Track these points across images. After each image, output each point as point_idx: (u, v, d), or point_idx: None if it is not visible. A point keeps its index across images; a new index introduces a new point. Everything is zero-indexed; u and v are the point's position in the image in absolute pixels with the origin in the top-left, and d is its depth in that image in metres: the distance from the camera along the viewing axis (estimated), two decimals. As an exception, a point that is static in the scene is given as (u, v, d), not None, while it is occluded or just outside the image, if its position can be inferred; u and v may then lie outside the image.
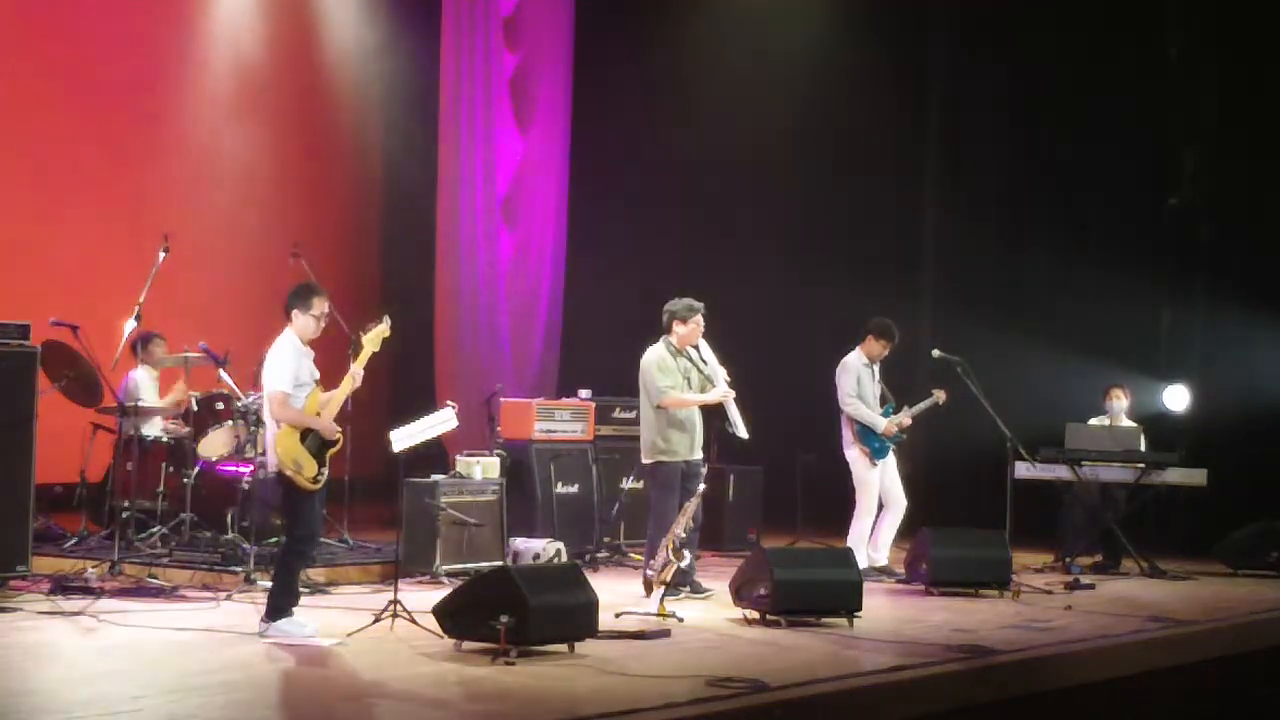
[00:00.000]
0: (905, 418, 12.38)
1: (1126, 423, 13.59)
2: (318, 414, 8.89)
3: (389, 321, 9.13)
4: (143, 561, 10.86)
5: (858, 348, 12.48)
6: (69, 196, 14.49)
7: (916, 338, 13.88)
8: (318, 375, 9.02)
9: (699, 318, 11.02)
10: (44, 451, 10.12)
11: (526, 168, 16.71)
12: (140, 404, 11.66)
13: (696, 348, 11.08)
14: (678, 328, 11.02)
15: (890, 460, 12.42)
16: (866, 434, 12.30)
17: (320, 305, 9.00)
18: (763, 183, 16.80)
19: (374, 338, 9.07)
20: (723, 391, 10.94)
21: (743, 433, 10.99)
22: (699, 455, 11.06)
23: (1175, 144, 15.57)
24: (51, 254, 14.24)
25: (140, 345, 12.19)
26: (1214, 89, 15.37)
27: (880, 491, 12.34)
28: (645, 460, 11.05)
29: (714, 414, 11.33)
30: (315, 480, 8.80)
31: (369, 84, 17.06)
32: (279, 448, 8.81)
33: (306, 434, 8.82)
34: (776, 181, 16.68)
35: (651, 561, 10.36)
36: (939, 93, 16.51)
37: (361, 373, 9.04)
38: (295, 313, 8.97)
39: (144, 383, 12.10)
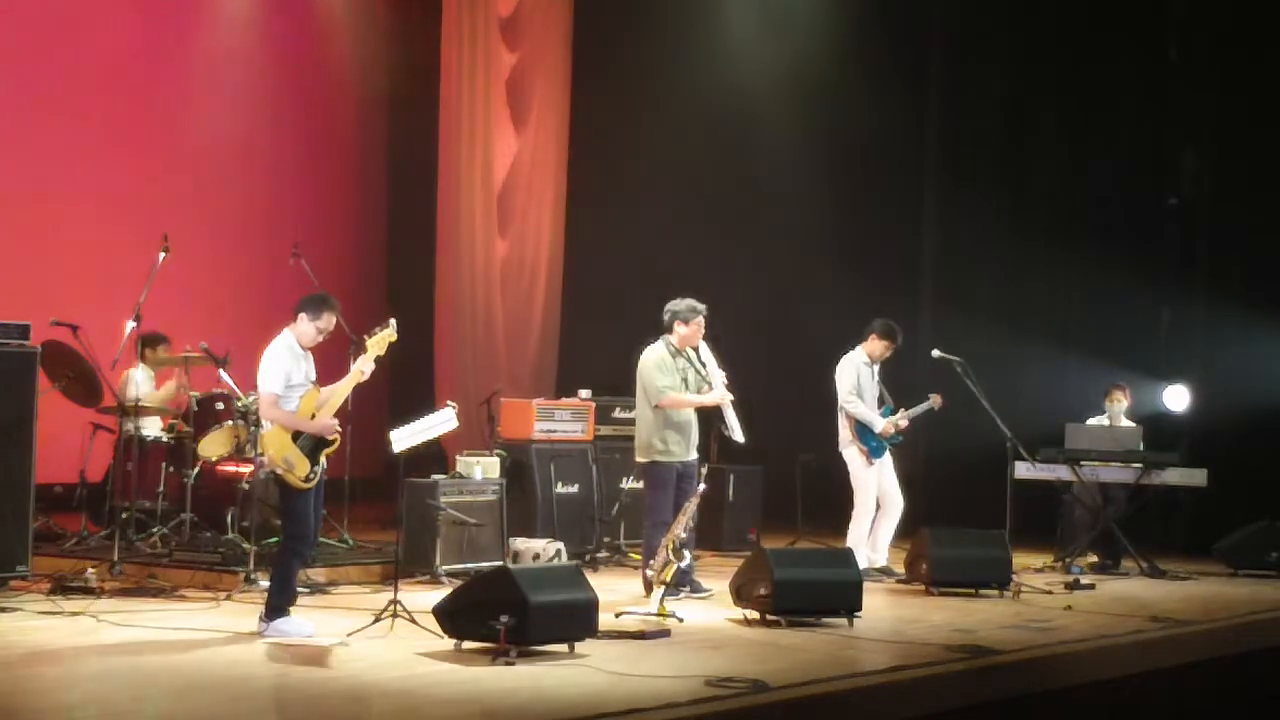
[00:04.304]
0: (903, 419, 12.39)
1: (1126, 423, 13.58)
2: (313, 414, 8.90)
3: (394, 326, 9.10)
4: (143, 561, 10.88)
5: (859, 346, 12.47)
6: (69, 196, 14.48)
7: (917, 338, 13.86)
8: (314, 377, 9.03)
9: (701, 319, 11.00)
10: (44, 451, 10.11)
11: (525, 167, 16.71)
12: (140, 403, 11.67)
13: (696, 349, 11.07)
14: (679, 328, 11.01)
15: (887, 460, 12.40)
16: (864, 432, 12.29)
17: (328, 320, 9.00)
18: (762, 182, 16.78)
19: (378, 342, 9.05)
20: (720, 394, 10.94)
21: (739, 436, 10.97)
22: (694, 456, 11.05)
23: (1175, 144, 15.55)
24: (51, 254, 14.23)
25: (144, 346, 12.17)
26: (1214, 89, 15.34)
27: (878, 492, 12.34)
28: (640, 459, 11.04)
29: (711, 415, 11.32)
30: (307, 479, 8.81)
31: (369, 83, 17.06)
32: (270, 446, 8.87)
33: (298, 433, 8.84)
34: (776, 181, 16.65)
35: (651, 561, 10.36)
36: (939, 92, 16.49)
37: (369, 368, 9.02)
38: (303, 316, 8.95)
39: (140, 382, 12.09)
